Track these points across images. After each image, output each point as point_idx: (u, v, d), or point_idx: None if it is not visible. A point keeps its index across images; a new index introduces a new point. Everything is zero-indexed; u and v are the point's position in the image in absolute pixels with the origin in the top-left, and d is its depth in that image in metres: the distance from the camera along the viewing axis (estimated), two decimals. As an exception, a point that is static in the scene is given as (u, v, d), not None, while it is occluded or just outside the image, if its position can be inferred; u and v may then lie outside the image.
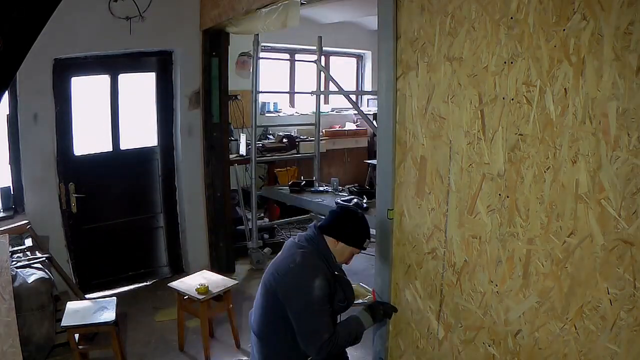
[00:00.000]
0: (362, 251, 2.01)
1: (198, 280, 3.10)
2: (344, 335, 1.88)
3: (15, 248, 3.04)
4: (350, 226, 1.96)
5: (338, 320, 2.00)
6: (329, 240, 1.94)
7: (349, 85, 7.05)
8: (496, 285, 1.64)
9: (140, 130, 4.17)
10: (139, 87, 4.09)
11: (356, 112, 5.59)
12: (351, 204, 3.29)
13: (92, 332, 2.93)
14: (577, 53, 1.33)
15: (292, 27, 3.25)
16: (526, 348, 1.55)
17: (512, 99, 1.52)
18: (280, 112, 6.30)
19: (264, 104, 5.99)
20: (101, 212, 3.92)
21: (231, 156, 4.71)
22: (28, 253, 3.07)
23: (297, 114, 6.31)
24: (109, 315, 2.75)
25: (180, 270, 4.33)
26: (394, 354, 2.18)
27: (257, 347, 1.96)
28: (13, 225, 3.17)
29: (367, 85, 7.23)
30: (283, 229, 5.49)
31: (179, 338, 3.15)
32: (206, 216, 4.36)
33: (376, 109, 6.84)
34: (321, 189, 4.35)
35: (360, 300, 3.72)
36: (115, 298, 2.97)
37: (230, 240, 4.46)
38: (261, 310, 1.92)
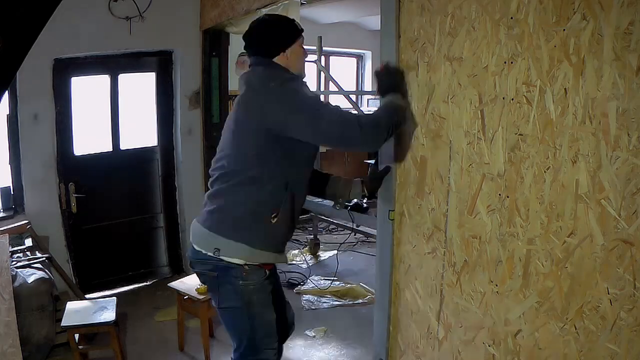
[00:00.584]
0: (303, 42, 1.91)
1: (198, 281, 3.10)
2: (382, 117, 1.74)
3: (15, 248, 3.04)
4: (275, 31, 1.86)
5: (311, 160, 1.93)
6: (278, 58, 1.85)
7: (349, 85, 7.05)
8: (496, 285, 1.64)
9: (140, 130, 4.17)
10: (139, 87, 4.09)
11: (356, 112, 5.59)
12: (351, 204, 3.30)
13: (92, 332, 2.93)
14: (577, 53, 1.33)
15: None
16: (526, 348, 1.55)
17: (512, 99, 1.52)
18: (280, 112, 6.29)
19: (264, 104, 5.98)
20: (101, 212, 3.92)
21: (231, 156, 4.71)
22: (28, 253, 3.07)
23: (297, 114, 6.30)
24: (109, 315, 2.75)
25: (180, 271, 4.33)
26: (394, 354, 2.18)
27: (238, 193, 1.81)
28: (13, 225, 3.17)
29: (367, 85, 7.23)
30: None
31: (179, 338, 3.16)
32: (206, 216, 4.36)
33: (376, 108, 6.83)
34: (321, 189, 4.35)
35: (360, 300, 3.75)
36: (115, 298, 2.97)
37: (230, 240, 4.46)
38: (246, 151, 1.80)
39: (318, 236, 5.03)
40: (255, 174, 1.79)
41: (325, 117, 1.69)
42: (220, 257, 1.79)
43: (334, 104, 1.81)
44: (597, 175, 1.31)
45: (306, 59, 1.97)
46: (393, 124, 1.76)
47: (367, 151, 1.86)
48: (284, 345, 2.15)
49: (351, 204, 3.40)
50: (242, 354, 1.92)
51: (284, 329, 2.10)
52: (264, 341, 1.89)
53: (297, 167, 1.86)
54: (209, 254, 1.80)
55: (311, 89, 1.91)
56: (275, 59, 1.86)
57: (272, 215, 1.80)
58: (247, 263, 1.79)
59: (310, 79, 5.37)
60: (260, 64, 1.87)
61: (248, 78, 1.88)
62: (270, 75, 1.82)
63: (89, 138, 3.87)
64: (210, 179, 1.95)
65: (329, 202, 3.94)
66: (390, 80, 1.89)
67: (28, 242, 3.18)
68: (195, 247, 1.87)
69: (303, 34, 1.93)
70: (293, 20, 1.93)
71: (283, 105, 1.72)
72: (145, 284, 4.19)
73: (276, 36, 1.86)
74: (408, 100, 1.90)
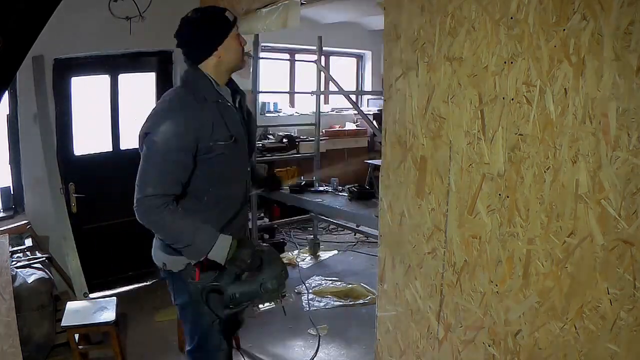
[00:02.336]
0: (236, 31, 1.71)
1: (198, 280, 3.10)
2: (176, 222, 1.56)
3: (15, 248, 3.04)
4: (197, 31, 1.71)
5: (225, 166, 1.68)
6: (207, 64, 1.71)
7: (349, 85, 7.05)
8: (496, 285, 1.64)
9: (140, 130, 4.16)
10: (139, 87, 4.09)
11: (356, 112, 5.60)
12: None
13: (92, 332, 2.93)
14: (577, 53, 1.33)
15: (293, 27, 3.25)
16: (526, 348, 1.55)
17: (512, 99, 1.53)
18: (280, 112, 6.30)
19: (264, 103, 5.99)
20: (101, 212, 3.91)
21: (231, 156, 4.71)
22: (28, 253, 3.07)
23: (297, 114, 6.31)
24: (109, 315, 2.75)
25: (180, 270, 4.32)
26: (393, 353, 2.18)
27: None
28: (13, 225, 3.17)
29: (367, 85, 7.23)
30: (283, 229, 5.50)
31: (178, 338, 3.15)
32: (206, 216, 4.36)
33: (376, 109, 6.84)
34: (321, 189, 4.35)
35: (361, 301, 3.74)
36: (115, 298, 2.97)
37: (230, 240, 4.44)
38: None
39: (318, 236, 5.03)
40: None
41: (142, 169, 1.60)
42: (167, 269, 1.79)
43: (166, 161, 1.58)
44: (597, 175, 1.31)
45: (244, 48, 1.79)
46: (173, 240, 1.62)
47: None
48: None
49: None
50: (190, 350, 1.86)
51: (234, 326, 2.05)
52: (211, 340, 1.82)
53: (206, 184, 1.70)
54: (160, 267, 1.84)
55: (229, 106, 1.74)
56: (203, 65, 1.72)
57: None
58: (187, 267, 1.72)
59: (310, 80, 5.38)
60: (183, 74, 1.77)
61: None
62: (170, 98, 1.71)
63: (89, 138, 3.87)
64: None
65: (329, 202, 3.96)
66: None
67: (28, 242, 3.18)
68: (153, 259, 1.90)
69: (238, 22, 1.76)
70: (221, 11, 1.73)
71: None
72: (145, 284, 4.19)
73: (202, 37, 1.70)
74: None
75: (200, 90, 1.68)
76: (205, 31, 1.71)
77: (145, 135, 1.64)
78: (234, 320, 1.98)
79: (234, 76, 1.93)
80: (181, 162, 1.58)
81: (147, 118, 1.70)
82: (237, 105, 1.83)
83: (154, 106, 1.74)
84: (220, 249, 1.57)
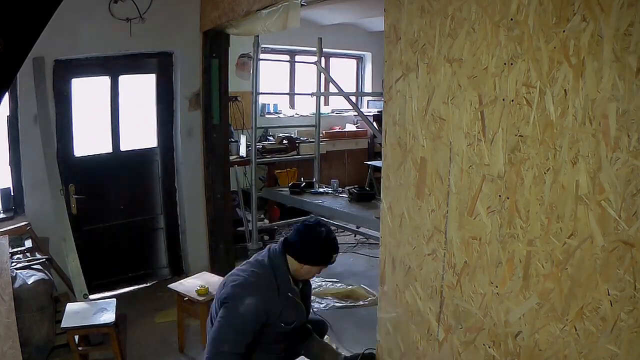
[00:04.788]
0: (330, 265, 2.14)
1: (198, 282, 3.10)
2: None
3: (15, 249, 3.04)
4: (314, 248, 2.06)
5: (284, 341, 2.12)
6: (292, 262, 2.07)
7: (349, 86, 7.06)
8: (496, 287, 1.64)
9: (140, 132, 4.17)
10: (139, 89, 4.10)
11: (356, 113, 5.60)
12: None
13: (92, 334, 2.93)
14: (577, 54, 1.33)
15: (293, 28, 3.25)
16: (526, 349, 1.55)
17: (512, 101, 1.53)
18: (280, 113, 6.31)
19: (264, 105, 5.99)
20: (101, 213, 3.92)
21: (231, 157, 4.72)
22: (28, 254, 3.07)
23: (297, 116, 6.32)
24: (109, 316, 2.75)
25: (180, 272, 4.33)
26: (393, 355, 2.17)
27: None
28: (13, 227, 3.17)
29: (367, 87, 7.23)
30: (283, 230, 5.50)
31: (179, 339, 3.16)
32: (206, 217, 4.36)
33: (376, 110, 6.85)
34: (321, 190, 4.36)
35: (361, 302, 3.74)
36: (115, 299, 2.97)
37: (230, 241, 4.46)
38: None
39: (318, 237, 5.02)
40: None
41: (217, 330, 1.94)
42: None
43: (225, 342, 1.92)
44: (597, 176, 1.31)
45: (314, 277, 2.24)
46: None
47: None
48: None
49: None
50: None
51: None
52: None
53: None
54: None
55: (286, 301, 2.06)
56: (289, 259, 2.08)
57: None
58: None
59: (310, 81, 5.39)
60: (274, 252, 2.10)
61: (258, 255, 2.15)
62: (258, 270, 2.05)
63: (89, 139, 3.88)
64: None
65: (329, 204, 3.96)
66: None
67: (28, 243, 3.18)
68: None
69: (332, 261, 2.18)
70: (333, 250, 2.12)
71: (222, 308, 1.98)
72: (145, 285, 4.19)
73: (310, 251, 2.07)
74: None
75: (280, 279, 2.05)
76: (314, 249, 2.08)
77: (225, 301, 1.97)
78: None
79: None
80: (253, 330, 1.96)
81: (230, 285, 2.01)
82: (299, 289, 2.18)
83: (238, 272, 2.08)
84: None
